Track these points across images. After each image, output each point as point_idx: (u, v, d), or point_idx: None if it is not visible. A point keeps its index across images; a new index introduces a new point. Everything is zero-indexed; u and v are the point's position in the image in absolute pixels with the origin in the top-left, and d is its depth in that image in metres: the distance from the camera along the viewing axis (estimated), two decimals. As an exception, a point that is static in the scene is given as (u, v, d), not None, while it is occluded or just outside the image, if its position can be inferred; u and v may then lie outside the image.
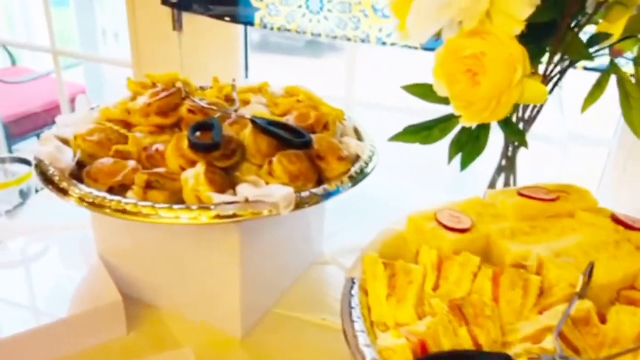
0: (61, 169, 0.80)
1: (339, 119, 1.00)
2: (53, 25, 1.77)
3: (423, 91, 0.98)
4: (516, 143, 1.04)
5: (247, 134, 0.87)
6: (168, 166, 0.85)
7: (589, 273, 0.71)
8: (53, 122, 0.96)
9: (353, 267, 0.77)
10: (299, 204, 0.78)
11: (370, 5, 1.30)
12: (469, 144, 0.97)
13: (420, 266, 0.75)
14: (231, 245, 0.81)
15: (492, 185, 1.09)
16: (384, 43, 1.33)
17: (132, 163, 0.85)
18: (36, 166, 0.84)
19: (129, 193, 0.79)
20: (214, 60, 1.57)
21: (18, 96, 3.24)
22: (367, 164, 0.91)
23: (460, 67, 0.82)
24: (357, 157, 0.92)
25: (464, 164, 0.99)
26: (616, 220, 0.83)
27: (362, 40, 1.35)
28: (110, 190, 0.81)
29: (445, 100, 0.94)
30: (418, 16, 0.86)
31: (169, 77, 1.01)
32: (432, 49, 1.33)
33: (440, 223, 0.82)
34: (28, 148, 3.53)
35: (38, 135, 3.50)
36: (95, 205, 0.76)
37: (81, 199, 0.77)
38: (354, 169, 0.88)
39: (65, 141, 0.90)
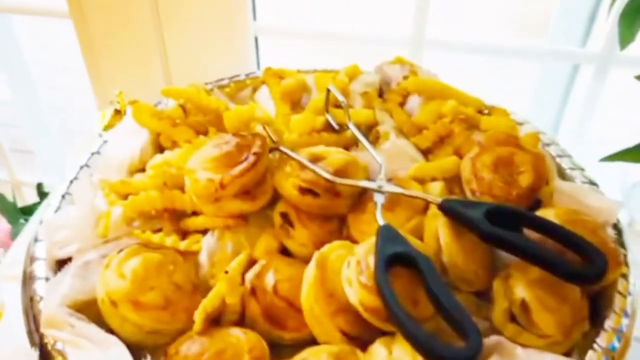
0: None
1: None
2: None
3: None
4: None
5: (447, 240, 0.46)
6: (312, 328, 0.44)
7: None
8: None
9: None
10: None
11: None
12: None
13: None
14: None
15: None
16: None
17: (241, 336, 0.43)
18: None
19: None
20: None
21: None
22: (620, 231, 0.53)
23: None
24: (604, 226, 0.53)
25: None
26: None
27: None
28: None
29: None
30: None
31: (230, 110, 0.54)
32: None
33: None
34: None
35: None
36: None
37: None
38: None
39: (80, 304, 0.45)
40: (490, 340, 0.42)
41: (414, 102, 0.65)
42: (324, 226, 0.51)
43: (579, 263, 0.42)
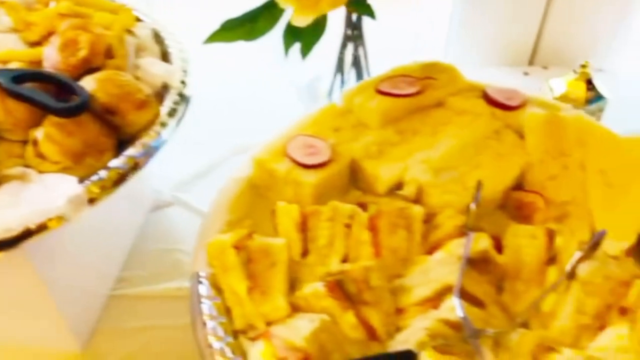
0: None
1: (128, 29, 0.72)
2: None
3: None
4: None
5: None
6: None
7: (478, 196, 0.59)
8: None
9: (196, 256, 0.59)
10: (100, 195, 0.55)
11: None
12: (306, 29, 0.75)
13: (280, 240, 0.58)
14: (22, 271, 0.57)
15: (340, 63, 0.90)
16: None
17: None
18: None
19: None
20: None
21: None
22: (183, 95, 0.66)
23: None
24: (166, 87, 0.67)
25: (306, 51, 0.79)
26: (491, 101, 0.70)
27: None
28: None
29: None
30: None
31: None
32: None
33: (293, 160, 0.64)
34: None
35: None
36: None
37: None
38: (166, 110, 0.64)
39: None
40: (15, 171, 0.55)
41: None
42: None
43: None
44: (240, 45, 0.81)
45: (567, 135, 0.62)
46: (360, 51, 0.90)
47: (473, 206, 0.57)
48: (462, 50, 1.15)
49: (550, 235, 0.56)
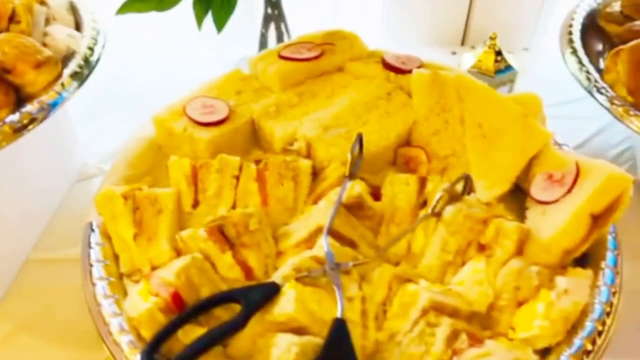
0: None
1: (40, -2, 0.75)
2: None
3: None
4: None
5: None
6: None
7: (359, 147, 0.62)
8: None
9: (91, 207, 0.61)
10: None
11: None
12: (215, 1, 0.78)
13: (168, 189, 0.61)
14: None
15: (263, 40, 0.94)
16: None
17: None
18: None
19: None
20: None
21: None
22: (88, 60, 0.69)
23: None
24: (73, 53, 0.70)
25: (220, 24, 0.81)
26: (387, 65, 0.74)
27: None
28: None
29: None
30: None
31: None
32: None
33: (190, 119, 0.67)
34: None
35: None
36: None
37: None
38: (69, 71, 0.66)
39: None
40: None
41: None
42: None
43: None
44: (169, 23, 0.83)
45: (449, 93, 0.65)
46: (283, 29, 0.93)
47: (349, 156, 0.60)
48: (396, 31, 1.19)
49: (422, 182, 0.60)
